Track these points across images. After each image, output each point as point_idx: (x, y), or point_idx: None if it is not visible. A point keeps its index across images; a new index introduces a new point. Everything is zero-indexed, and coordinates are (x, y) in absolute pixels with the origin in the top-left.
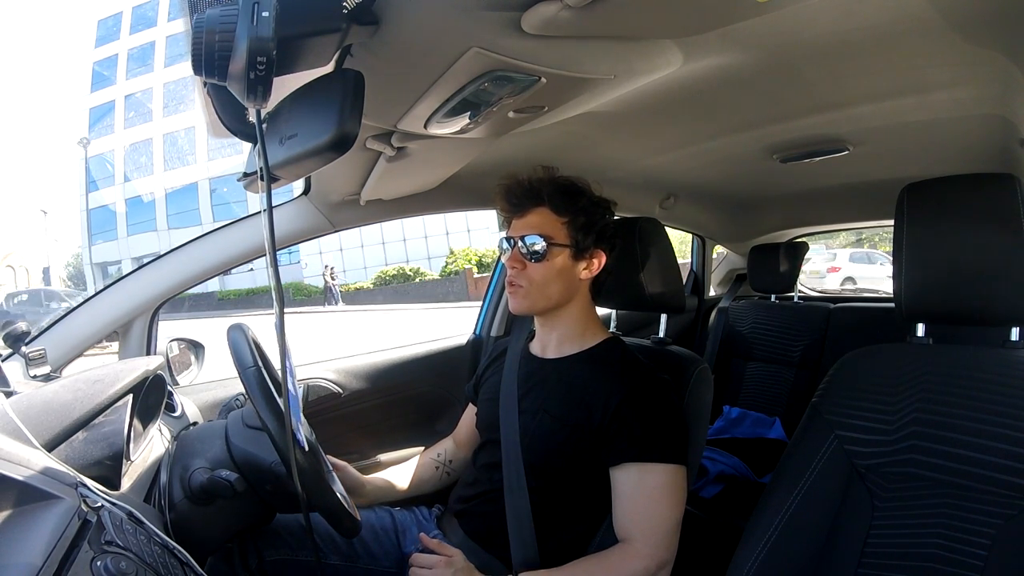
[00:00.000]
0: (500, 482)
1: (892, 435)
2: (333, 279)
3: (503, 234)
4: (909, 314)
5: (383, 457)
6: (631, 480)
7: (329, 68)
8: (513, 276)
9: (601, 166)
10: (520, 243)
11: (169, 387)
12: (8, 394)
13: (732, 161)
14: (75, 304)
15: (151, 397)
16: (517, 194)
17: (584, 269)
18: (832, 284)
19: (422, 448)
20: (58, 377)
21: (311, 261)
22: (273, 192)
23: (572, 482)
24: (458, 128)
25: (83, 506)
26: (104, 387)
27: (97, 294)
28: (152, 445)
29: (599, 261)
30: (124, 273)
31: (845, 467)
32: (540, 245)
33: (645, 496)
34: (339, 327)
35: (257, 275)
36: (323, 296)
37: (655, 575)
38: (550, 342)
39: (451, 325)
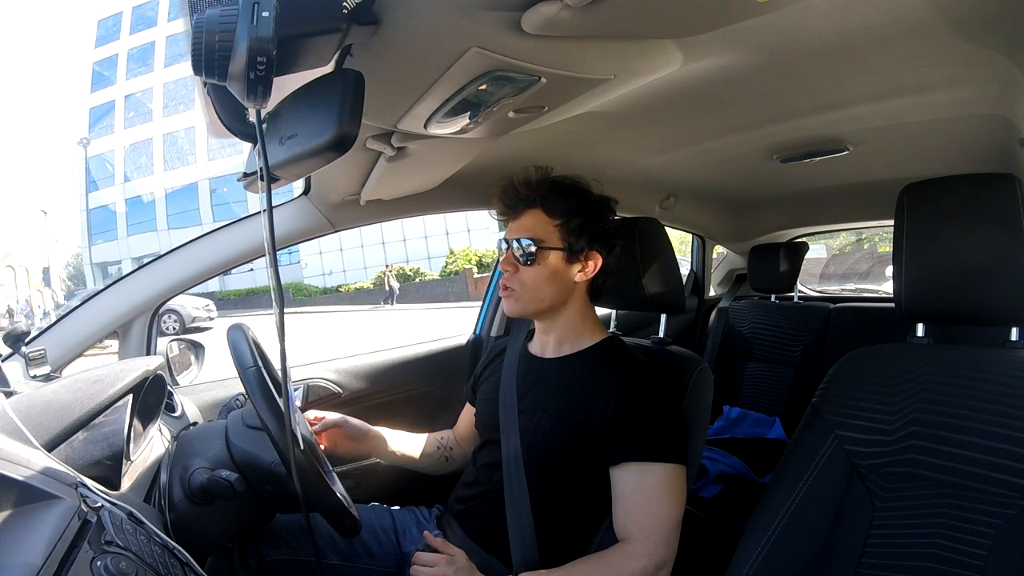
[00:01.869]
0: (500, 482)
1: (892, 435)
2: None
3: (502, 235)
4: (909, 314)
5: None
6: (631, 480)
7: (329, 68)
8: (506, 279)
9: (601, 166)
10: (514, 245)
11: (169, 387)
12: (8, 394)
13: (732, 161)
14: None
15: (151, 397)
16: (511, 196)
17: (579, 272)
18: None
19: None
20: (58, 377)
21: (311, 261)
22: (273, 192)
23: (572, 482)
24: (458, 128)
25: (83, 506)
26: (104, 387)
27: (97, 294)
28: (152, 445)
29: (595, 263)
30: (124, 273)
31: (845, 467)
32: (532, 248)
33: (645, 495)
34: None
35: (257, 275)
36: (384, 295)
37: (654, 575)
38: (548, 342)
39: (459, 324)
